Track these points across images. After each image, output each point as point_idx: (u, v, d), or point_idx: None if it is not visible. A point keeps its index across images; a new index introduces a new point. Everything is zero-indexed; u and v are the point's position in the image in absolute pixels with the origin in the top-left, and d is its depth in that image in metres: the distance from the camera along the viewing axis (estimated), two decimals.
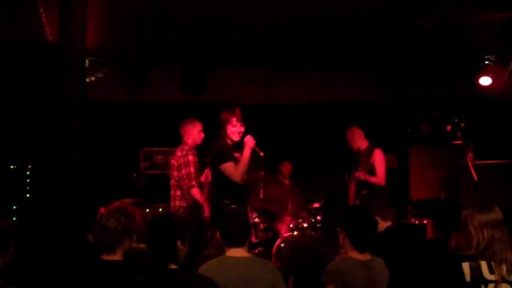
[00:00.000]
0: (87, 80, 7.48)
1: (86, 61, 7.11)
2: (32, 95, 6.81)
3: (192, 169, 6.22)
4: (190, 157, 6.28)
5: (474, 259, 3.35)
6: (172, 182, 6.43)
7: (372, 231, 3.85)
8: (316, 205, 7.27)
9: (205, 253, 5.58)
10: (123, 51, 8.01)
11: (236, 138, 5.45)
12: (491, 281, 3.31)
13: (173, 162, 6.43)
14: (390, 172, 8.37)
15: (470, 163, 6.16)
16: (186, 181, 6.21)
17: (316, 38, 7.62)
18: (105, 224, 3.36)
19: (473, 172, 6.05)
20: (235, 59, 8.42)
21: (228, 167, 5.32)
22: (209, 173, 6.09)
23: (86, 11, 5.31)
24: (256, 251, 6.95)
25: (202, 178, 6.52)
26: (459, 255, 3.40)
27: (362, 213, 3.95)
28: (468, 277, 3.32)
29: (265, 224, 7.36)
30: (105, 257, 3.37)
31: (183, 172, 6.24)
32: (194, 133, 6.44)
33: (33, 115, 6.79)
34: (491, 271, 3.32)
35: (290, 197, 8.11)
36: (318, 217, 7.10)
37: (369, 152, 6.74)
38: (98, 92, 7.90)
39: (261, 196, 7.73)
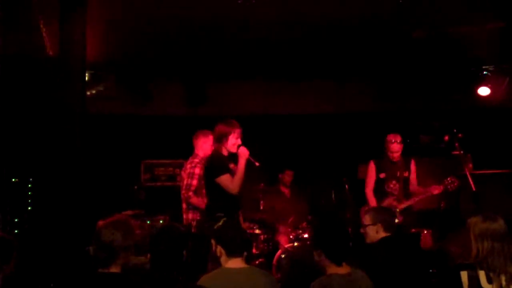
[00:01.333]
0: (88, 93, 7.55)
1: (87, 74, 7.19)
2: (33, 109, 6.85)
3: (194, 182, 6.23)
4: (197, 170, 6.29)
5: (472, 268, 3.37)
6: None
7: (347, 242, 3.83)
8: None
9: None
10: (124, 65, 8.06)
11: (235, 150, 5.49)
12: None
13: (183, 173, 6.46)
14: None
15: (468, 174, 6.19)
16: (184, 191, 6.25)
17: (316, 50, 7.66)
18: (101, 239, 3.32)
19: (471, 182, 6.08)
20: (235, 72, 8.46)
21: (225, 180, 5.31)
22: None
23: (85, 26, 5.37)
24: (257, 262, 6.97)
25: None
26: (458, 264, 3.42)
27: (335, 225, 3.99)
28: (466, 286, 3.33)
29: (266, 236, 7.37)
30: (103, 270, 3.34)
31: (184, 182, 6.27)
32: (206, 147, 6.45)
33: (34, 128, 6.83)
34: (489, 281, 3.32)
35: (291, 208, 8.12)
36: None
37: (406, 161, 6.75)
38: (99, 105, 7.96)
39: (261, 208, 7.74)
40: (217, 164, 5.42)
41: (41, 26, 6.02)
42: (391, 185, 6.67)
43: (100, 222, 3.43)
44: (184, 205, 6.37)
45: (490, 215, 3.51)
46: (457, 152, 6.52)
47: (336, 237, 3.81)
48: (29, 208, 6.76)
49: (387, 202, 6.56)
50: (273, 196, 8.13)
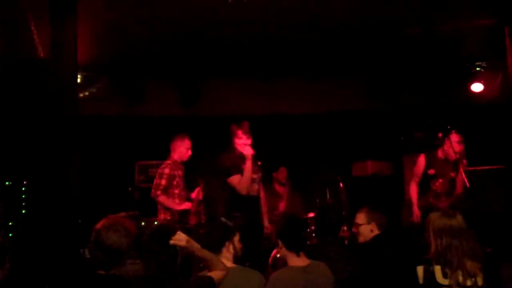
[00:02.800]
0: (81, 95, 7.54)
1: (80, 76, 7.17)
2: (25, 111, 6.83)
3: (162, 182, 6.37)
4: (166, 170, 6.42)
5: (429, 263, 3.41)
6: None
7: (301, 232, 4.22)
8: (311, 214, 7.29)
9: (201, 265, 5.60)
10: (117, 66, 8.04)
11: (243, 150, 5.54)
12: (445, 286, 3.38)
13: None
14: (384, 179, 8.43)
15: (462, 170, 6.20)
16: (153, 190, 6.35)
17: (309, 49, 7.66)
18: (104, 242, 3.26)
19: (465, 178, 6.09)
20: (228, 71, 8.45)
21: (233, 180, 5.49)
22: (201, 191, 6.47)
23: (77, 28, 5.35)
24: None
25: (193, 195, 6.67)
26: (416, 259, 3.49)
27: (291, 218, 4.41)
28: (421, 280, 3.39)
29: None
30: (103, 272, 3.31)
31: (154, 181, 6.37)
32: (181, 149, 6.56)
33: (26, 131, 6.81)
34: (445, 276, 3.39)
35: (286, 207, 8.11)
36: (313, 227, 7.11)
37: (455, 162, 6.59)
38: (92, 107, 7.95)
39: None
40: (228, 165, 5.58)
41: (32, 28, 6.00)
42: (437, 183, 6.57)
43: (99, 225, 3.35)
44: (158, 206, 6.44)
45: (448, 211, 3.62)
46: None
47: (293, 228, 4.12)
48: (23, 211, 6.74)
49: (424, 199, 6.51)
50: (268, 195, 8.13)
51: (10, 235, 6.32)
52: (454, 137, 6.57)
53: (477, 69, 8.44)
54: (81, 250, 4.89)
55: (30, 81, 6.63)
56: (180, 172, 6.55)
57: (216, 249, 3.94)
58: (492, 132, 8.30)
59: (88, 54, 6.58)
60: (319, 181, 8.31)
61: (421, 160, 6.71)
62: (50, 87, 5.33)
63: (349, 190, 7.94)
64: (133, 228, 3.45)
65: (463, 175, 6.12)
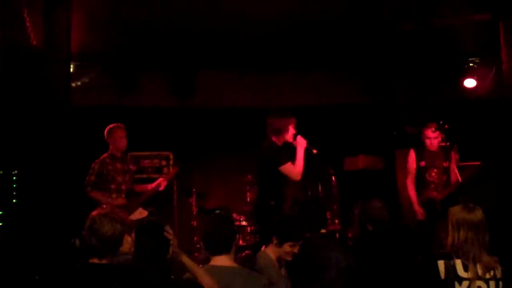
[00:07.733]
0: (74, 84, 7.48)
1: (72, 65, 7.12)
2: (16, 100, 6.77)
3: (91, 178, 6.38)
4: (96, 166, 6.45)
5: (449, 258, 3.43)
6: None
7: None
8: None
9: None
10: (110, 55, 8.00)
11: (292, 140, 5.76)
12: (466, 279, 3.40)
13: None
14: (376, 174, 8.42)
15: (455, 165, 6.22)
16: (84, 187, 6.37)
17: (304, 42, 7.65)
18: (101, 230, 3.27)
19: (457, 174, 6.11)
20: (223, 63, 8.44)
21: (288, 167, 5.59)
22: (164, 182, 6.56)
23: (70, 16, 5.32)
24: (243, 254, 6.96)
25: (149, 187, 6.74)
26: (436, 253, 3.51)
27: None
28: (442, 275, 3.40)
29: (253, 227, 7.36)
30: (95, 260, 3.30)
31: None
32: (114, 140, 6.74)
33: (18, 120, 6.76)
34: (466, 269, 3.41)
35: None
36: None
37: (446, 151, 6.71)
38: (84, 97, 7.88)
39: (248, 200, 7.73)
40: (278, 154, 5.67)
41: (25, 15, 5.94)
42: (432, 174, 6.60)
43: (94, 213, 3.37)
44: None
45: (468, 205, 3.61)
46: (444, 144, 6.56)
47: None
48: (14, 200, 6.69)
49: (425, 193, 6.54)
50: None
51: (0, 224, 6.28)
52: (426, 127, 6.70)
53: (470, 64, 8.45)
54: (72, 240, 4.88)
55: (21, 70, 6.57)
56: (118, 166, 6.51)
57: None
58: (484, 127, 8.33)
59: (81, 43, 6.54)
60: (312, 175, 8.30)
61: (411, 155, 6.77)
62: (42, 76, 5.30)
63: (341, 184, 7.95)
64: (127, 219, 3.46)
65: (456, 170, 6.14)
